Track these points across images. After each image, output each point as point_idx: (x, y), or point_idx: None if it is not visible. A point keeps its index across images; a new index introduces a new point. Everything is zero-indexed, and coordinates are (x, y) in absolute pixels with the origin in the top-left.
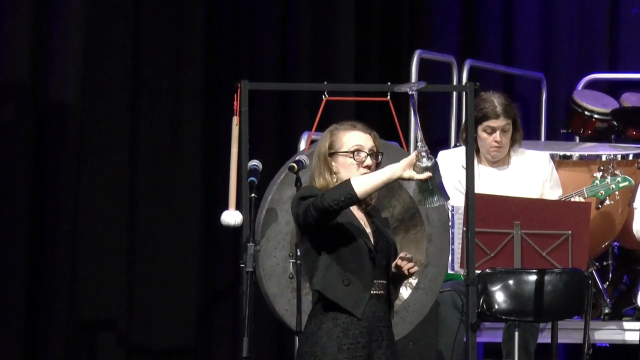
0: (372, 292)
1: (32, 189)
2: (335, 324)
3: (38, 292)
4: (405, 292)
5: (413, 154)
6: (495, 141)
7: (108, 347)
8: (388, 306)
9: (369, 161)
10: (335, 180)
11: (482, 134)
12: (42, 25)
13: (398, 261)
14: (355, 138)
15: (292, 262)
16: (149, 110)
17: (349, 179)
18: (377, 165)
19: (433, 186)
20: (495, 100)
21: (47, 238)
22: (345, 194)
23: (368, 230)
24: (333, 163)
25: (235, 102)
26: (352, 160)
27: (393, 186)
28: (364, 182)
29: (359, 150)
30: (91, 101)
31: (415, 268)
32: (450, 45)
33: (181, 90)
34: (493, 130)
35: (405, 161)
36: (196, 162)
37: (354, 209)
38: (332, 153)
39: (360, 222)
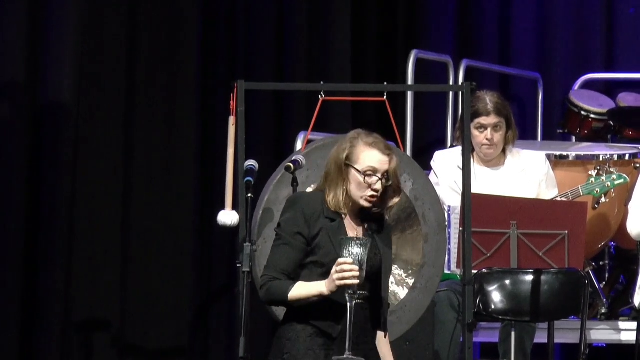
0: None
1: (28, 189)
2: (304, 329)
3: (33, 292)
4: (402, 292)
5: (333, 270)
6: (487, 139)
7: (102, 348)
8: (369, 318)
9: (378, 186)
10: (345, 194)
11: (474, 132)
12: (37, 24)
13: None
14: (371, 158)
15: None
16: (144, 110)
17: (298, 283)
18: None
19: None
20: (488, 98)
21: (42, 238)
22: (280, 297)
23: None
24: (347, 174)
25: (231, 102)
26: (363, 181)
27: None
28: (298, 292)
29: (371, 173)
30: (86, 101)
31: None
32: (447, 45)
33: (177, 89)
34: (484, 127)
35: (328, 280)
36: (192, 162)
37: (350, 218)
38: (347, 164)
39: (350, 234)
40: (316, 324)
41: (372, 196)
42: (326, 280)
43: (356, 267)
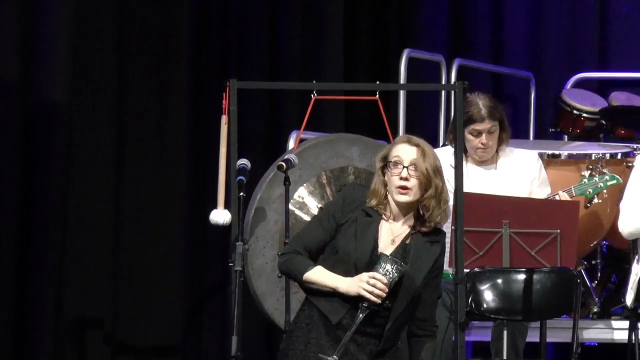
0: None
1: (20, 189)
2: (303, 313)
3: (25, 290)
4: None
5: (365, 275)
6: (482, 143)
7: (95, 346)
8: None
9: (404, 173)
10: (385, 192)
11: (468, 136)
12: (29, 24)
13: None
14: (398, 149)
15: None
16: (137, 109)
17: (318, 267)
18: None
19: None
20: (480, 103)
21: (35, 237)
22: (297, 273)
23: (388, 249)
24: (386, 174)
25: (223, 101)
26: (391, 171)
27: None
28: (316, 276)
29: (396, 163)
30: (79, 101)
31: None
32: (439, 44)
33: (169, 89)
34: (479, 133)
35: (353, 280)
36: (184, 161)
37: (391, 222)
38: (383, 165)
39: (383, 236)
40: (318, 306)
41: (401, 186)
42: (347, 279)
43: (386, 290)
